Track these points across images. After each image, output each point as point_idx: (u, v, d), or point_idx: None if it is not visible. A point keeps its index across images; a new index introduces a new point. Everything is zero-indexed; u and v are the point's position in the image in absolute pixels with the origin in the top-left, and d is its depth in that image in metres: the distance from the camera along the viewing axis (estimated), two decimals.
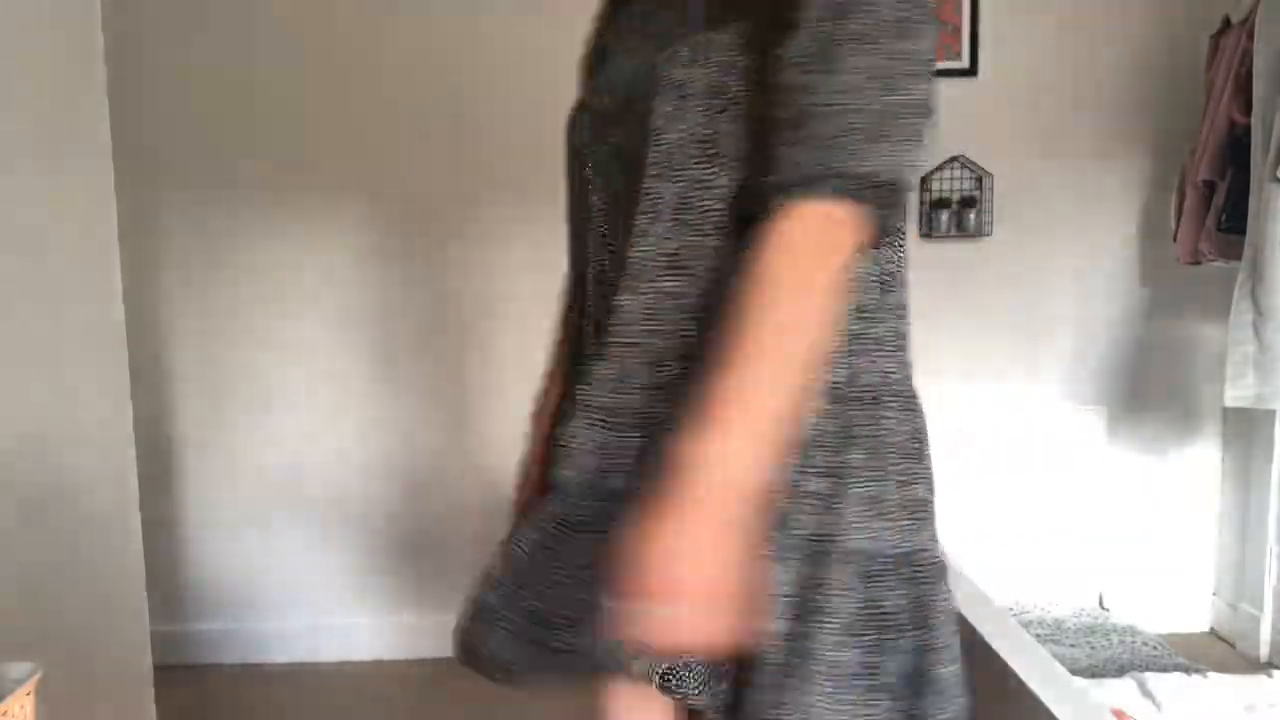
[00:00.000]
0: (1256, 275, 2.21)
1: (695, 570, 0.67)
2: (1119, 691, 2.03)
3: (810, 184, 0.71)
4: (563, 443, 0.85)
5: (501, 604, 0.85)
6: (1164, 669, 2.24)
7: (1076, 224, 2.73)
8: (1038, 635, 2.51)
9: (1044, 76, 2.68)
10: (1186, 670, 2.20)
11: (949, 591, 0.82)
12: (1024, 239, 2.71)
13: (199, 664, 2.67)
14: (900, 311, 0.84)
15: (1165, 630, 2.70)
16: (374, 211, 2.65)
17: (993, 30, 2.65)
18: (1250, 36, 2.28)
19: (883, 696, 0.76)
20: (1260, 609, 2.60)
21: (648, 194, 0.81)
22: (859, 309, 0.80)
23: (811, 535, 0.77)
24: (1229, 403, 2.32)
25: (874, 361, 0.81)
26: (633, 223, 0.82)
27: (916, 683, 0.77)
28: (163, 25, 2.55)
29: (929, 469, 0.84)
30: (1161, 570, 2.82)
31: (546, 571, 0.83)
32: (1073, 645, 2.50)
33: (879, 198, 0.71)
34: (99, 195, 1.73)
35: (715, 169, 0.79)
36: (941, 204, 2.67)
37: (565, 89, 1.02)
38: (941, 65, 2.60)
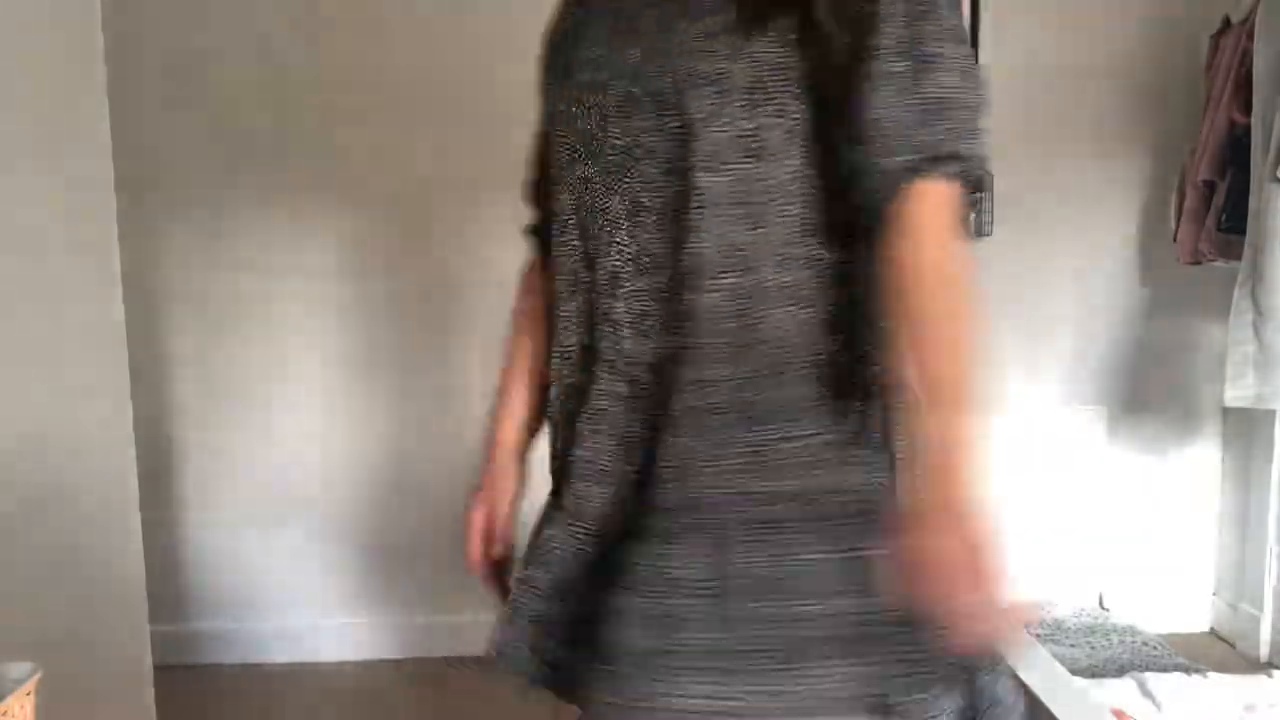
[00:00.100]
0: (1256, 275, 2.21)
1: (997, 562, 0.73)
2: (1119, 691, 2.03)
3: (937, 165, 0.78)
4: (666, 463, 0.83)
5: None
6: (1164, 669, 2.23)
7: (1076, 224, 2.73)
8: (1038, 635, 2.51)
9: (1044, 76, 2.67)
10: (1186, 670, 2.20)
11: None
12: (1024, 239, 2.70)
13: (199, 664, 2.66)
14: None
15: (1165, 630, 2.69)
16: (375, 212, 2.65)
17: (993, 30, 2.65)
18: (1250, 36, 2.28)
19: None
20: (1260, 609, 2.60)
21: (697, 189, 0.80)
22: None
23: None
24: (1229, 403, 2.32)
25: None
26: (663, 220, 0.82)
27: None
28: (163, 25, 2.54)
29: None
30: (1161, 570, 2.81)
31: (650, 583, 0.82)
32: (1073, 645, 2.50)
33: (979, 184, 0.81)
34: (99, 195, 1.72)
35: (764, 164, 0.80)
36: None
37: None
38: None
